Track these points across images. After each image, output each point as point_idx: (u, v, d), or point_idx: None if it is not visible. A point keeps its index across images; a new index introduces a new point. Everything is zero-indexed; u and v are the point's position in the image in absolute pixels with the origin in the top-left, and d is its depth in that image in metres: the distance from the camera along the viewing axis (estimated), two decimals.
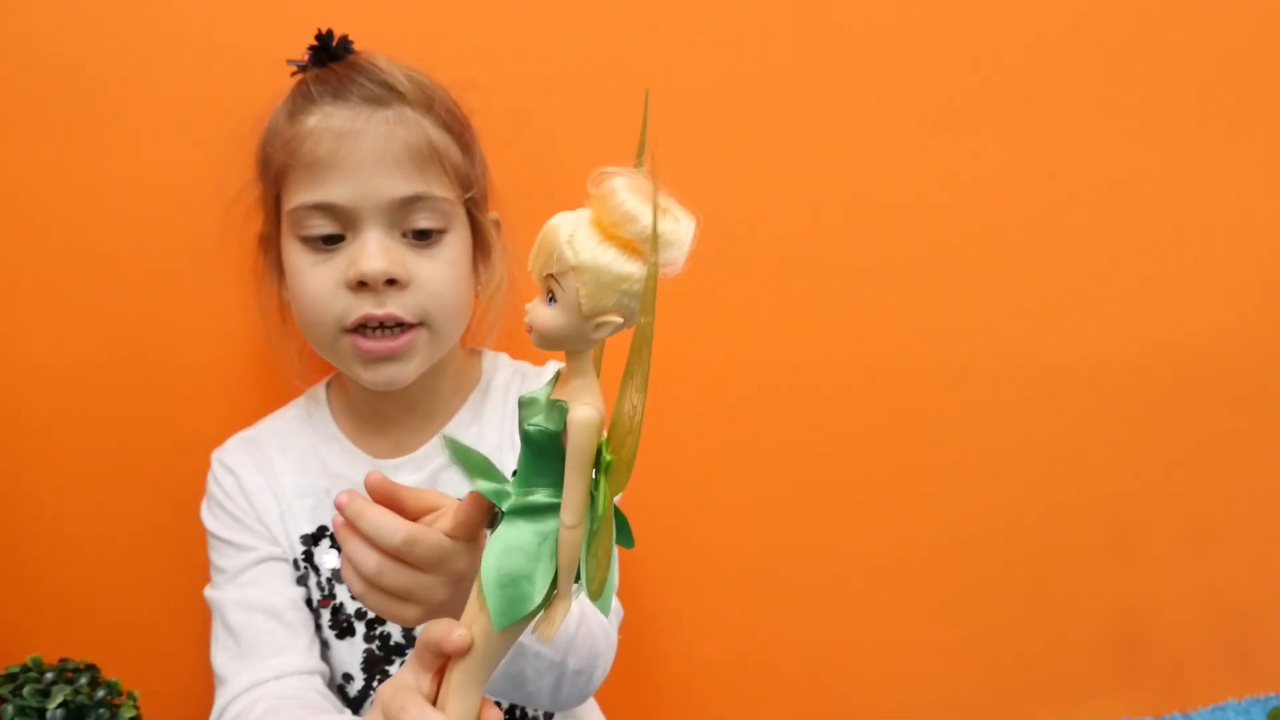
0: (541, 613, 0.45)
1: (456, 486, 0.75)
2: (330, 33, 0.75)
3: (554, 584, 0.45)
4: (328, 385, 0.83)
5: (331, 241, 0.71)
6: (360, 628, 0.76)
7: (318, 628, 0.77)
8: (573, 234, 0.41)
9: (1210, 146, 1.00)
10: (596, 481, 0.44)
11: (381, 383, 0.73)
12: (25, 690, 0.71)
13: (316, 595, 0.76)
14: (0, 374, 0.88)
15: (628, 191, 0.41)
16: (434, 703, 0.47)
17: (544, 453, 0.44)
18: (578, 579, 0.45)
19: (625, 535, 0.47)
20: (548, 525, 0.44)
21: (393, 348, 0.71)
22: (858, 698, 1.02)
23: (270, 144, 0.75)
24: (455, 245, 0.74)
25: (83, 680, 0.74)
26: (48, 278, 0.88)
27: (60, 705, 0.71)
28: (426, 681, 0.48)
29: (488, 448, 0.75)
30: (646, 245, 0.41)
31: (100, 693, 0.74)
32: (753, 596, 1.00)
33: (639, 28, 0.92)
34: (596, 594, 0.45)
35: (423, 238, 0.72)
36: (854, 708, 1.02)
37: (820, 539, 1.00)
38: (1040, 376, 1.00)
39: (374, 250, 0.69)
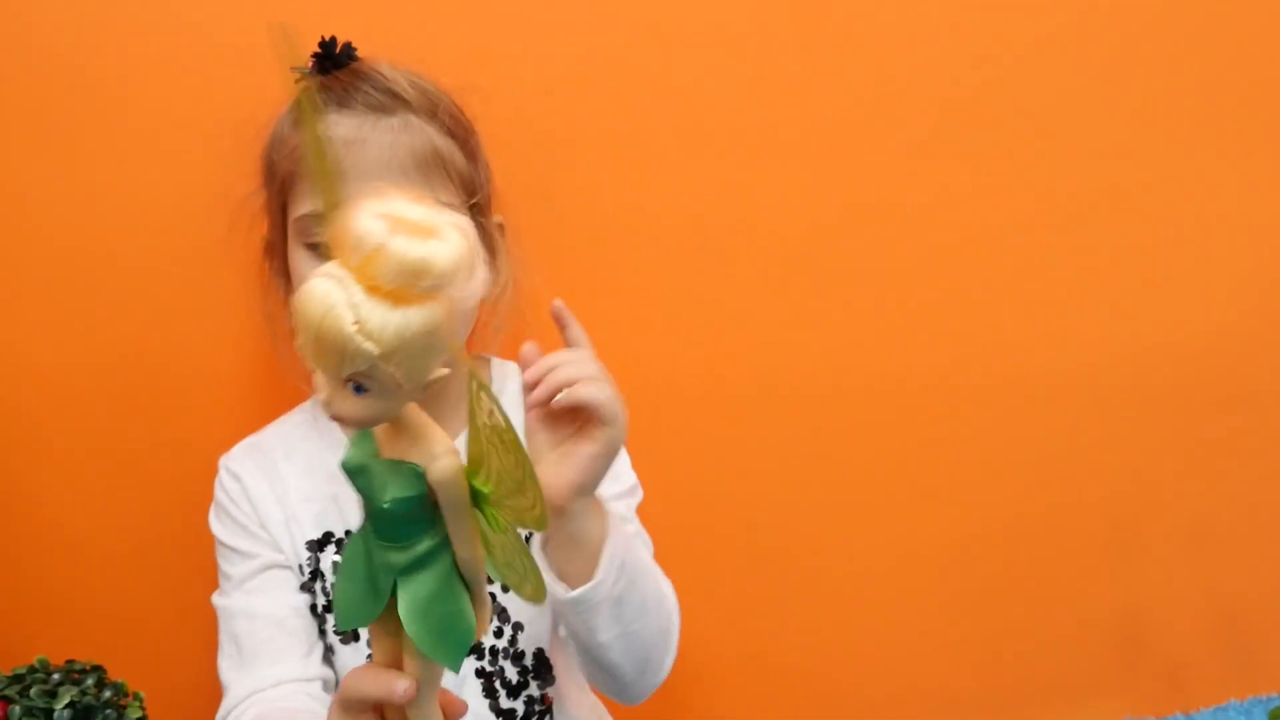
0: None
1: None
2: (334, 40, 0.76)
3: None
4: None
5: None
6: (364, 634, 0.76)
7: (322, 633, 0.77)
8: (360, 320, 0.34)
9: (1209, 148, 1.00)
10: (483, 513, 0.41)
11: None
12: (32, 691, 0.72)
13: (321, 601, 0.77)
14: (6, 379, 0.89)
15: (397, 239, 0.34)
16: None
17: (411, 515, 0.41)
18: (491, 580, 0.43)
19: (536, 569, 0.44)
20: (444, 562, 0.42)
21: None
22: (859, 697, 1.03)
23: (275, 152, 0.75)
24: None
25: (89, 681, 0.74)
26: (55, 284, 0.88)
27: (67, 706, 0.71)
28: None
29: None
30: (439, 285, 0.35)
31: (107, 693, 0.74)
32: (755, 596, 1.00)
33: (638, 30, 0.92)
34: (538, 595, 0.43)
35: None
36: (855, 706, 1.02)
37: (822, 539, 1.00)
38: (1041, 378, 1.00)
39: None
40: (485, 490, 0.41)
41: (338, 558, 0.77)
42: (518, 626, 0.77)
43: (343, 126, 0.71)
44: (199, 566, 0.81)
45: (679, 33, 0.92)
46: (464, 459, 0.41)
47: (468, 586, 0.43)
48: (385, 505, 0.40)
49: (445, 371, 0.37)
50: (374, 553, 0.42)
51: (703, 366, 0.96)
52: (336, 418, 0.38)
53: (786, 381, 0.97)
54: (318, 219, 0.71)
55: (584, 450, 0.61)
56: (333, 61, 0.75)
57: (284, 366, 0.83)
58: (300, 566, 0.77)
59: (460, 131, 0.76)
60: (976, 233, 0.98)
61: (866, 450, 0.99)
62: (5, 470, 0.91)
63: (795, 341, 0.97)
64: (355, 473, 0.41)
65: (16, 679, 0.73)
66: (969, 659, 1.03)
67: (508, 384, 0.82)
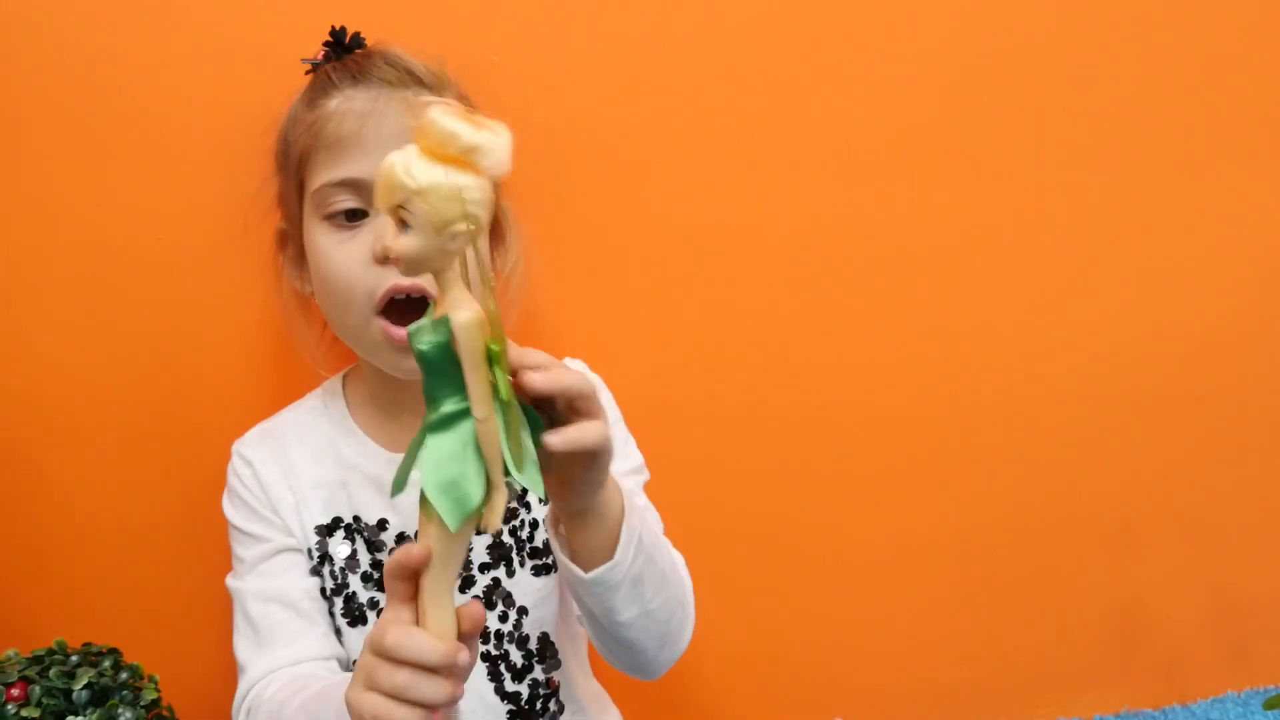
0: (484, 508, 0.50)
1: None
2: (344, 29, 0.78)
3: (488, 479, 0.50)
4: (344, 377, 0.84)
5: (354, 217, 0.72)
6: (372, 617, 0.78)
7: (330, 615, 0.78)
8: (408, 165, 0.46)
9: (1210, 144, 1.00)
10: (493, 372, 0.49)
11: (412, 370, 0.73)
12: (51, 672, 0.74)
13: (330, 584, 0.78)
14: (23, 369, 0.91)
15: (444, 115, 0.46)
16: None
17: (440, 367, 0.49)
18: (507, 473, 0.50)
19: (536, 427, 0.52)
20: (465, 429, 0.49)
21: None
22: (859, 689, 1.03)
23: (291, 132, 0.76)
24: None
25: (106, 663, 0.77)
26: (73, 278, 0.89)
27: (85, 687, 0.73)
28: (407, 613, 0.51)
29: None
30: (473, 157, 0.47)
31: (124, 675, 0.76)
32: (753, 591, 1.01)
33: (639, 29, 0.93)
34: (520, 468, 0.50)
35: None
36: (856, 698, 1.03)
37: (820, 533, 1.01)
38: (1039, 374, 1.00)
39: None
40: (495, 349, 0.49)
41: (345, 543, 0.79)
42: (522, 610, 0.78)
43: (359, 100, 0.72)
44: (213, 551, 0.82)
45: (683, 34, 0.93)
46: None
47: (487, 467, 0.49)
48: (421, 348, 0.49)
49: (469, 227, 0.47)
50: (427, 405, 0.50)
51: (705, 364, 0.97)
52: (395, 257, 0.48)
53: (788, 379, 0.98)
54: (335, 187, 0.72)
55: (575, 476, 0.58)
56: (344, 48, 0.77)
57: (299, 349, 0.84)
58: (310, 550, 0.78)
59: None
60: (975, 230, 0.98)
61: (865, 445, 1.00)
62: (23, 458, 0.92)
63: (797, 339, 0.98)
64: (413, 334, 0.50)
65: (36, 660, 0.75)
66: (968, 651, 1.04)
67: None
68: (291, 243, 0.80)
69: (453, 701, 0.51)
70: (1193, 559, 1.05)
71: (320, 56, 0.79)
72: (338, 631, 0.79)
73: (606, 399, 0.82)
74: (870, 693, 1.04)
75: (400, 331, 0.70)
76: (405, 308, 0.71)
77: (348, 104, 0.72)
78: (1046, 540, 1.03)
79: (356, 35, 0.78)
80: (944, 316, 0.99)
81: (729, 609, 1.01)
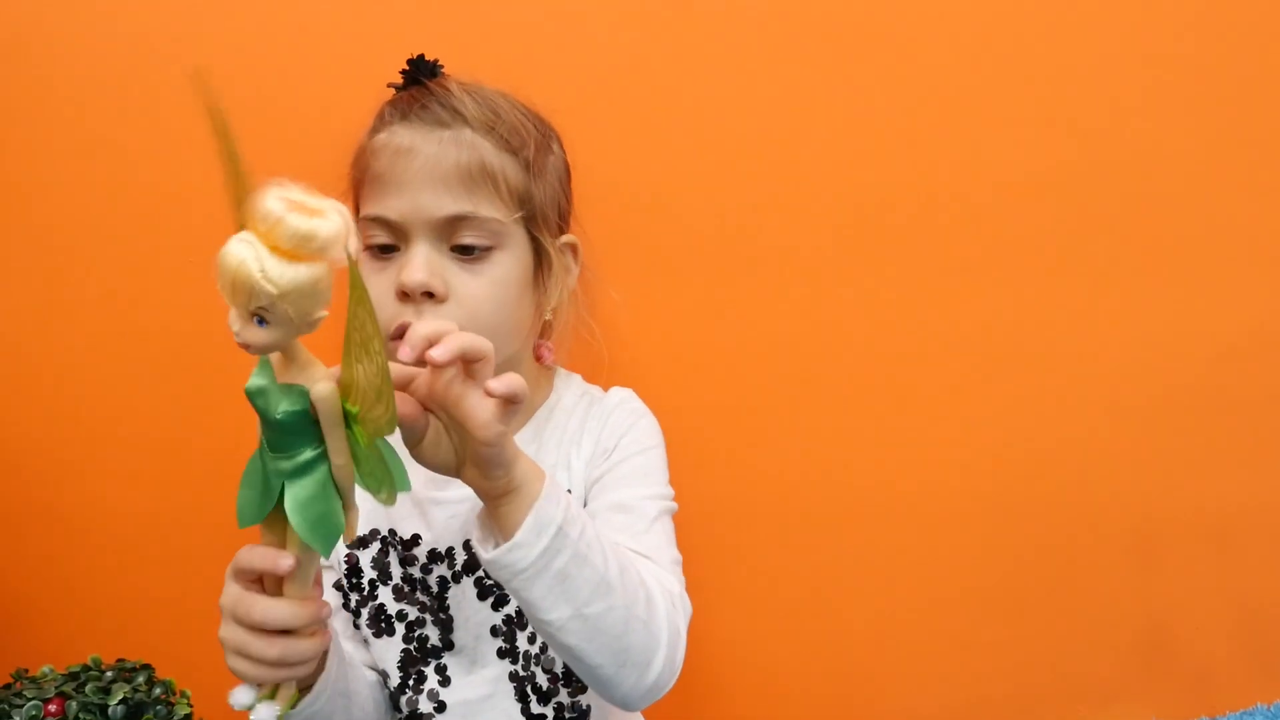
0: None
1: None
2: (421, 57, 0.77)
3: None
4: None
5: (388, 250, 0.74)
6: (400, 628, 0.79)
7: (356, 627, 0.80)
8: (264, 269, 0.47)
9: (1232, 144, 0.99)
10: (349, 427, 0.53)
11: None
12: (87, 688, 0.75)
13: (355, 597, 0.79)
14: (50, 385, 0.92)
15: (292, 215, 0.47)
16: None
17: (298, 428, 0.53)
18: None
19: (400, 472, 0.56)
20: (321, 471, 0.54)
21: None
22: (885, 701, 1.03)
23: (354, 160, 0.78)
24: (504, 263, 0.74)
25: (140, 679, 0.78)
26: (109, 292, 0.91)
27: (121, 702, 0.74)
28: (258, 590, 0.58)
29: (545, 467, 0.77)
30: (326, 252, 0.48)
31: (157, 691, 0.77)
32: (783, 600, 1.01)
33: (643, 37, 0.94)
34: (391, 500, 0.56)
35: (467, 253, 0.73)
36: (881, 711, 1.03)
37: (849, 544, 1.01)
38: (1065, 380, 1.00)
39: (417, 263, 0.71)
40: (353, 411, 0.53)
41: (375, 555, 0.80)
42: None
43: (400, 136, 0.73)
44: None
45: (693, 36, 0.94)
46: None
47: (341, 495, 0.55)
48: (278, 417, 0.52)
49: (326, 314, 0.49)
50: (267, 464, 0.54)
51: (726, 369, 0.97)
52: (244, 344, 0.49)
53: (814, 385, 0.98)
54: (371, 222, 0.73)
55: (480, 452, 0.59)
56: (415, 78, 0.77)
57: None
58: (339, 562, 0.80)
59: (521, 148, 0.76)
60: (996, 232, 0.98)
61: (892, 455, 1.00)
62: (56, 478, 0.94)
63: (820, 345, 0.98)
64: (255, 394, 0.52)
65: (72, 677, 0.77)
66: (993, 664, 1.04)
67: (566, 396, 0.83)
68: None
69: (317, 655, 0.60)
70: (1220, 571, 1.04)
71: (401, 82, 0.79)
72: (364, 642, 0.80)
73: (649, 426, 0.82)
74: (896, 705, 1.03)
75: (402, 347, 0.71)
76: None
77: (390, 140, 0.73)
78: (1073, 552, 1.03)
79: (433, 64, 0.78)
80: (968, 324, 0.99)
81: (752, 620, 1.01)
